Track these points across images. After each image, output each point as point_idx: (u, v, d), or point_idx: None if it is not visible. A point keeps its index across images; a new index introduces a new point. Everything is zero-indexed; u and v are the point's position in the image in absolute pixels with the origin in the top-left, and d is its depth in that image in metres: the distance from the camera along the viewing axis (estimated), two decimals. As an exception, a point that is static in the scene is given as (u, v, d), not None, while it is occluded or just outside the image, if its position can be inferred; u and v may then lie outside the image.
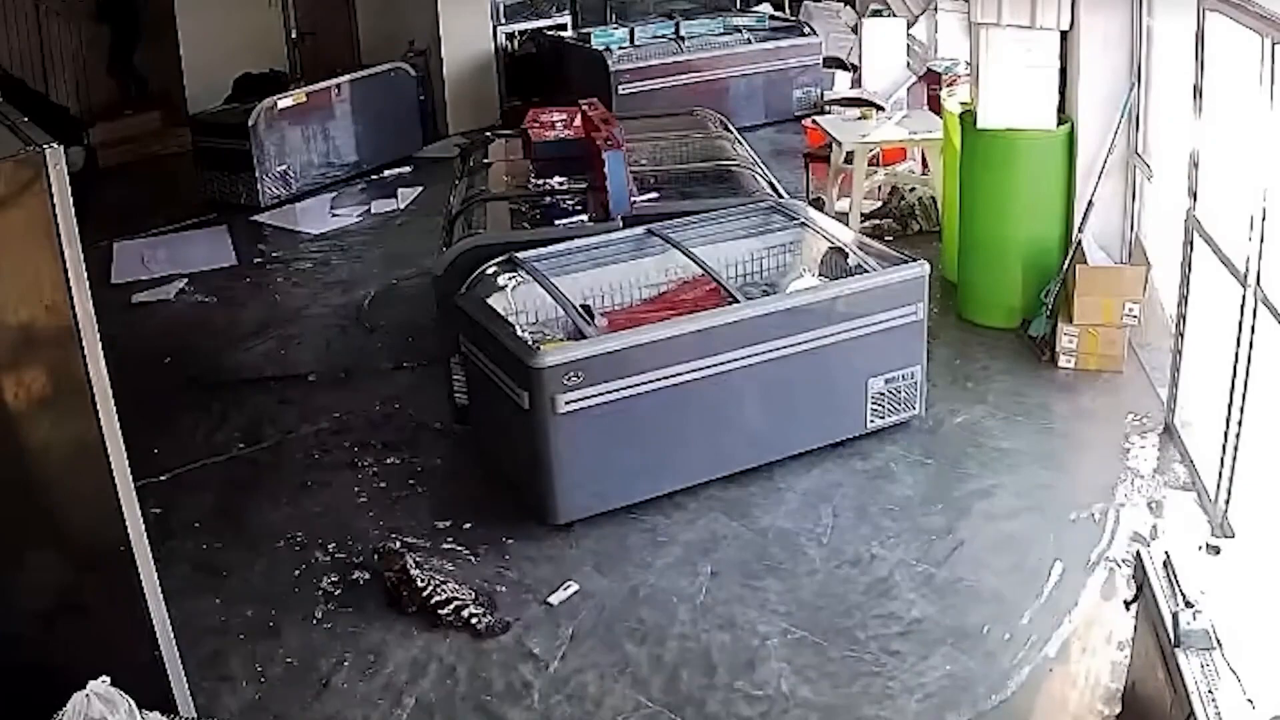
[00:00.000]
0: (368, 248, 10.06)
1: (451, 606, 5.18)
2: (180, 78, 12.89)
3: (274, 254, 10.02)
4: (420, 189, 11.38)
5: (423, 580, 5.28)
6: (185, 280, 9.40)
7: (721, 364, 5.77)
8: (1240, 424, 5.16)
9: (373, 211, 10.96)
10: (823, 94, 12.71)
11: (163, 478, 6.37)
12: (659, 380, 5.66)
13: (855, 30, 11.82)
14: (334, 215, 10.93)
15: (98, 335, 3.59)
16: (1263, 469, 5.14)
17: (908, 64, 10.48)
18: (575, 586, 5.34)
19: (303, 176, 11.40)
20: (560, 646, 4.99)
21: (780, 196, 7.17)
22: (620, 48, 12.77)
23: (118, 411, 3.66)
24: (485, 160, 8.18)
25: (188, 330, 8.60)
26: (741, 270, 6.71)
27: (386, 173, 11.99)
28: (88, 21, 13.36)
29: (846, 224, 8.10)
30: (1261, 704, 3.47)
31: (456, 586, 5.31)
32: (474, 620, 5.13)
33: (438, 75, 13.09)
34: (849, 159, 9.08)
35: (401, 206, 11.07)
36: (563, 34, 13.87)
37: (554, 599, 5.27)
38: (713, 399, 5.82)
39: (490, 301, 6.13)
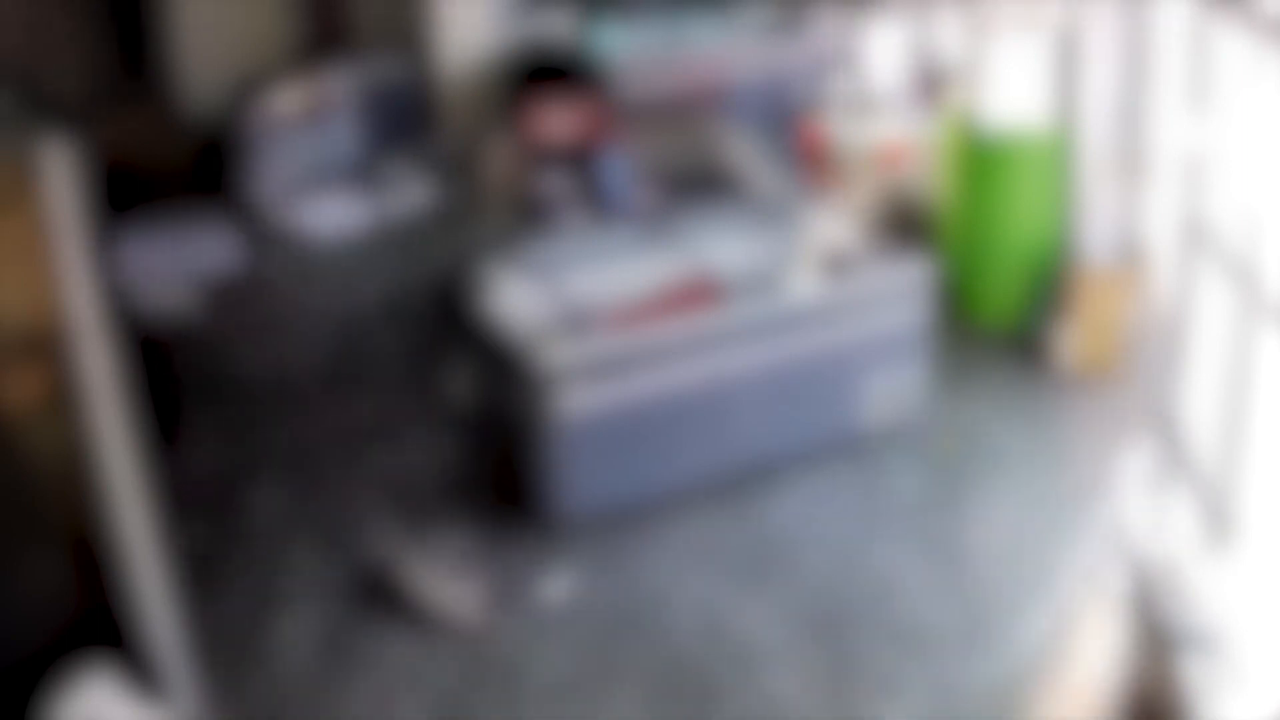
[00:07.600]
0: (364, 249, 10.05)
1: (450, 601, 5.21)
2: (180, 77, 12.88)
3: (273, 257, 10.02)
4: (418, 190, 11.37)
5: (419, 578, 5.29)
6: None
7: (721, 364, 5.77)
8: (1240, 424, 5.16)
9: (373, 212, 10.95)
10: (823, 94, 12.69)
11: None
12: (659, 380, 5.66)
13: (855, 31, 11.84)
14: (332, 216, 10.91)
15: (98, 335, 3.60)
16: (1263, 469, 5.14)
17: (907, 63, 10.47)
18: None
19: (302, 176, 11.39)
20: (550, 647, 5.00)
21: (780, 197, 7.17)
22: (620, 48, 12.76)
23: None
24: (485, 160, 8.17)
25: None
26: (741, 270, 6.71)
27: (386, 172, 11.97)
28: (90, 20, 13.36)
29: (847, 224, 8.09)
30: (1261, 704, 3.48)
31: (454, 583, 5.32)
32: (470, 613, 5.16)
33: (438, 75, 13.08)
34: (849, 159, 9.06)
35: (399, 208, 11.05)
36: (563, 34, 13.85)
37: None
38: (713, 398, 5.82)
39: (490, 301, 6.13)
